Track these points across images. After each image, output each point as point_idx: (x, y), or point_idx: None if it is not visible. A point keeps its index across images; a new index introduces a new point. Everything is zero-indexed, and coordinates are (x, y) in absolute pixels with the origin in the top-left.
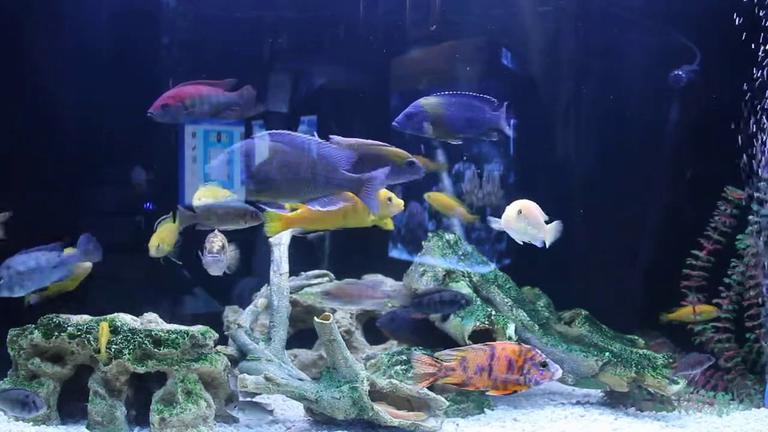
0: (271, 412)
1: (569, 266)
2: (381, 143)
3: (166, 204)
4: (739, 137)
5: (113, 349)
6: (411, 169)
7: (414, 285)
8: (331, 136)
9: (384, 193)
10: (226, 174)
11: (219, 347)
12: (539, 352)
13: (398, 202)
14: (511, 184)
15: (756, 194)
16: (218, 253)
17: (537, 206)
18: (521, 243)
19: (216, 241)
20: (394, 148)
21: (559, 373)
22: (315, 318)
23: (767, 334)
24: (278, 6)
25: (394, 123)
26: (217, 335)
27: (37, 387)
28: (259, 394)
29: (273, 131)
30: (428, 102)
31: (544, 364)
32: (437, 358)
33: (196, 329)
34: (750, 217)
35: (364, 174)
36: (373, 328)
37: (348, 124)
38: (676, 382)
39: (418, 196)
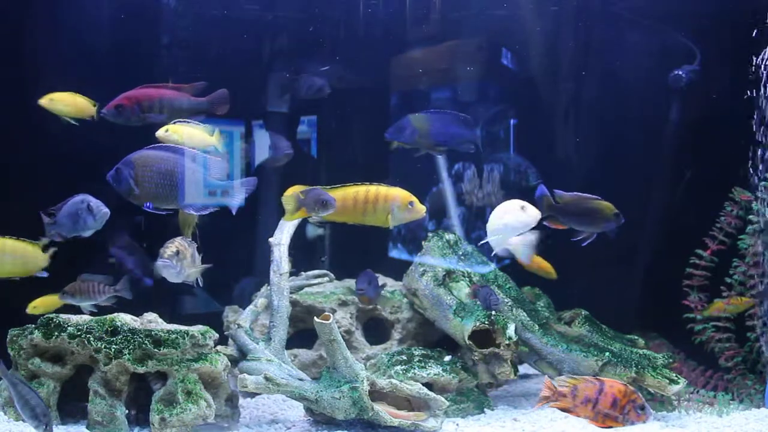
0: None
1: (569, 266)
2: (594, 197)
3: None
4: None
5: (113, 349)
6: (617, 219)
7: (414, 285)
8: (556, 191)
9: (407, 197)
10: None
11: (219, 347)
12: (641, 395)
13: (419, 208)
14: (511, 183)
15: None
16: (169, 259)
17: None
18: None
19: (171, 246)
20: (604, 202)
21: (651, 418)
22: (315, 318)
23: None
24: (278, 6)
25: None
26: (217, 335)
27: (37, 387)
28: (259, 393)
29: (155, 145)
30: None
31: (643, 408)
32: (554, 385)
33: (196, 329)
34: (750, 216)
35: (236, 180)
36: (373, 328)
37: (348, 124)
38: (676, 382)
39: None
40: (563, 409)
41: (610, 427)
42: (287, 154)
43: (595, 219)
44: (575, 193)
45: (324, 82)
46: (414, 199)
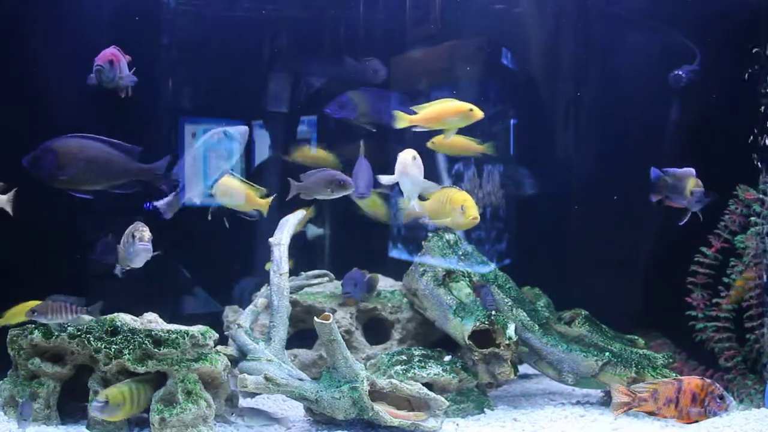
0: (278, 420)
1: (569, 266)
2: (686, 172)
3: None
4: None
5: (113, 349)
6: (694, 197)
7: (414, 285)
8: (667, 169)
9: (460, 200)
10: None
11: (219, 347)
12: (718, 385)
13: (470, 215)
14: (511, 183)
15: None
16: (149, 242)
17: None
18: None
19: (143, 230)
20: (692, 178)
21: (733, 405)
22: (315, 318)
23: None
24: (278, 5)
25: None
26: (217, 335)
27: (37, 387)
28: (259, 394)
29: (76, 134)
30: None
31: (722, 397)
32: (632, 390)
33: (196, 329)
34: (752, 218)
35: (152, 164)
36: (373, 328)
37: (347, 124)
38: None
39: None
40: (648, 413)
41: (697, 421)
42: (361, 195)
43: (682, 197)
44: (683, 168)
45: (381, 65)
46: (468, 204)
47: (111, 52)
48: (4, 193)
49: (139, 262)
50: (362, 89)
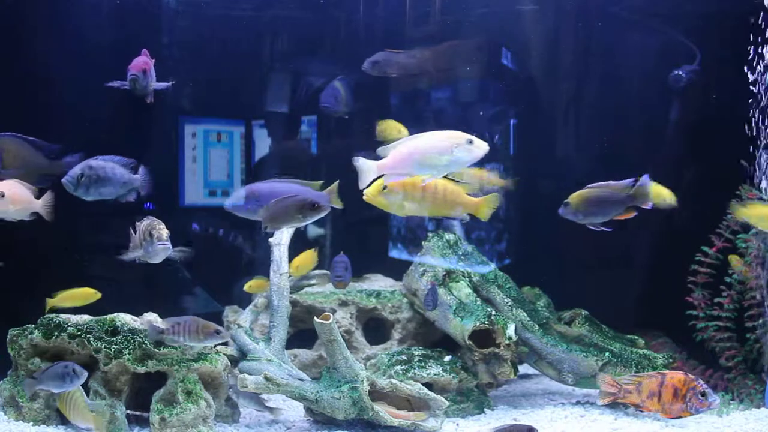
0: (271, 410)
1: (569, 266)
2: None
3: (166, 204)
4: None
5: (113, 349)
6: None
7: (414, 285)
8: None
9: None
10: None
11: (219, 347)
12: (701, 382)
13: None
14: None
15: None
16: (168, 240)
17: None
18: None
19: (163, 228)
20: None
21: (717, 403)
22: (315, 318)
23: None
24: (278, 5)
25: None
26: None
27: None
28: (259, 394)
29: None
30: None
31: (704, 394)
32: (618, 382)
33: None
34: None
35: (62, 159)
36: (373, 328)
37: (347, 124)
38: None
39: None
40: (634, 405)
41: (680, 417)
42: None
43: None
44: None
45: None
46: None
47: (143, 60)
48: (38, 197)
49: (158, 260)
50: (340, 79)
